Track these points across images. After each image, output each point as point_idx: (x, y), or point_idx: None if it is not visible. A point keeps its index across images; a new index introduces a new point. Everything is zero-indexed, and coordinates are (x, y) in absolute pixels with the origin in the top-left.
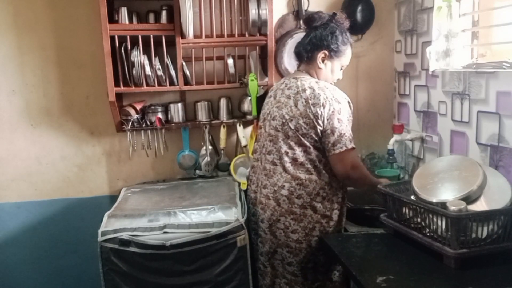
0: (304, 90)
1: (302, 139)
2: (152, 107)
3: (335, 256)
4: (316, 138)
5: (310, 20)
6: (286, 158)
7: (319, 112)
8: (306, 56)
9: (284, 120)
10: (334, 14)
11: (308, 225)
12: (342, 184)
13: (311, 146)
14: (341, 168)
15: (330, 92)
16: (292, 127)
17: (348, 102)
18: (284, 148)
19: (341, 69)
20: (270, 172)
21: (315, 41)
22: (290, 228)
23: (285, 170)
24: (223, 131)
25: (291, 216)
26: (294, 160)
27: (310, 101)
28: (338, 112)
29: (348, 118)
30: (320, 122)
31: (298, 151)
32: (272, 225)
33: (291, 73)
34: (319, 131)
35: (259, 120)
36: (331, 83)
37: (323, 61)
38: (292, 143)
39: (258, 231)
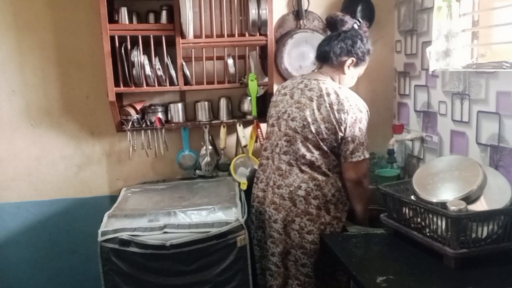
0: (328, 94)
1: (321, 143)
2: (152, 107)
3: (335, 256)
4: (335, 144)
5: (335, 23)
6: (303, 160)
7: (343, 119)
8: (335, 59)
9: (305, 123)
10: (360, 22)
11: (320, 226)
12: None
13: (328, 151)
14: (354, 175)
15: (353, 100)
16: (313, 131)
17: (367, 111)
18: (302, 150)
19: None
20: (286, 173)
21: (346, 46)
22: (305, 229)
23: (301, 171)
24: (223, 131)
25: (307, 217)
26: (311, 163)
27: (334, 107)
28: (360, 121)
29: (366, 127)
30: (342, 128)
31: (316, 154)
32: (287, 225)
33: (310, 73)
34: (339, 137)
35: (259, 120)
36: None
37: (349, 67)
38: (310, 146)
39: (270, 231)
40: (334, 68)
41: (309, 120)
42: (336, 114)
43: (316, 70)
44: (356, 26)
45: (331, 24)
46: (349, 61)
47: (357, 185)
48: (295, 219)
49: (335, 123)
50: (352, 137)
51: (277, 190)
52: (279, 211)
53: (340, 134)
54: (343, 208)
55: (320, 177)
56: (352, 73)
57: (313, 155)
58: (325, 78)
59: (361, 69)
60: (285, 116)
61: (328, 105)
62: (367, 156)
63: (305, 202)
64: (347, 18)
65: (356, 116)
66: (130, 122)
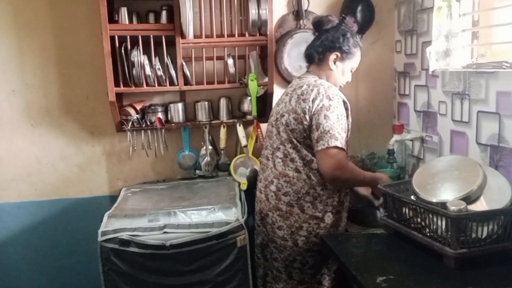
0: (300, 87)
1: (291, 135)
2: (152, 107)
3: (335, 256)
4: (305, 135)
5: (320, 24)
6: (278, 153)
7: (307, 107)
8: (317, 57)
9: (278, 116)
10: (344, 17)
11: (294, 223)
12: (339, 187)
13: (298, 144)
14: (326, 167)
15: (323, 88)
16: (284, 122)
17: (344, 102)
18: (276, 143)
19: (351, 71)
20: (264, 167)
21: (327, 43)
22: (276, 224)
23: (274, 165)
24: (223, 131)
25: (277, 212)
26: (285, 156)
27: (302, 97)
28: (327, 109)
29: (338, 117)
30: (307, 117)
31: (288, 147)
32: (263, 218)
33: (296, 74)
34: (306, 127)
35: (259, 120)
36: (340, 86)
37: (334, 62)
38: (283, 139)
39: (254, 223)
40: (320, 66)
41: (281, 112)
42: (302, 103)
43: (306, 71)
44: (341, 23)
45: (317, 25)
46: (333, 56)
47: (333, 181)
48: (268, 213)
49: (300, 112)
50: (317, 125)
51: (259, 184)
52: (257, 204)
53: (306, 123)
54: (324, 208)
55: (291, 173)
56: (341, 68)
57: (286, 147)
58: (308, 75)
59: (351, 64)
60: (269, 115)
61: (297, 96)
62: (333, 144)
63: (275, 197)
64: (331, 16)
65: (323, 103)
66: (130, 122)
